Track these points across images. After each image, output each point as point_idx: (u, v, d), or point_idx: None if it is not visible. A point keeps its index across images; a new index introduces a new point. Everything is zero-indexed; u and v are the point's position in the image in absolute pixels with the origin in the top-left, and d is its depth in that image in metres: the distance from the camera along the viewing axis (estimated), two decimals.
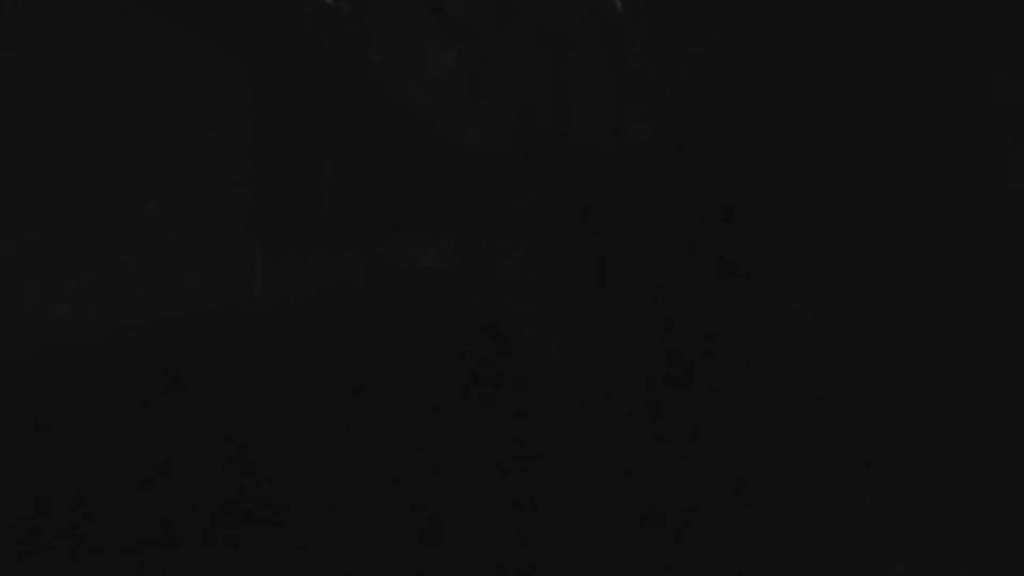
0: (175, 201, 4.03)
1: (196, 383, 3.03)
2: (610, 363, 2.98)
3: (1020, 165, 2.30)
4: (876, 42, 2.80)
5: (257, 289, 4.06)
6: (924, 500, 2.11)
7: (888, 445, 2.40)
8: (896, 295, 2.61)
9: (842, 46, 2.85)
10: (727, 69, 3.07)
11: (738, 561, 1.84)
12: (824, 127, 2.89)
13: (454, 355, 3.37)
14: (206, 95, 4.51)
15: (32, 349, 2.96)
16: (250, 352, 3.36)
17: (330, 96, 5.47)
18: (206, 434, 2.44)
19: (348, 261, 5.62)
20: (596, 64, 3.51)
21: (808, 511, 2.13)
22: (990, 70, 2.35)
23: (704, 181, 3.00)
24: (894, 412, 2.49)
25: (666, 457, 2.40)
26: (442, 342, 3.67)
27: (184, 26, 4.36)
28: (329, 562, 1.77)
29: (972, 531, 1.95)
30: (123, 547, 1.80)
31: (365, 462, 2.24)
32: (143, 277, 3.94)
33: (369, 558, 1.79)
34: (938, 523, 1.98)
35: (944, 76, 2.67)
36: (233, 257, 4.39)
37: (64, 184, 3.56)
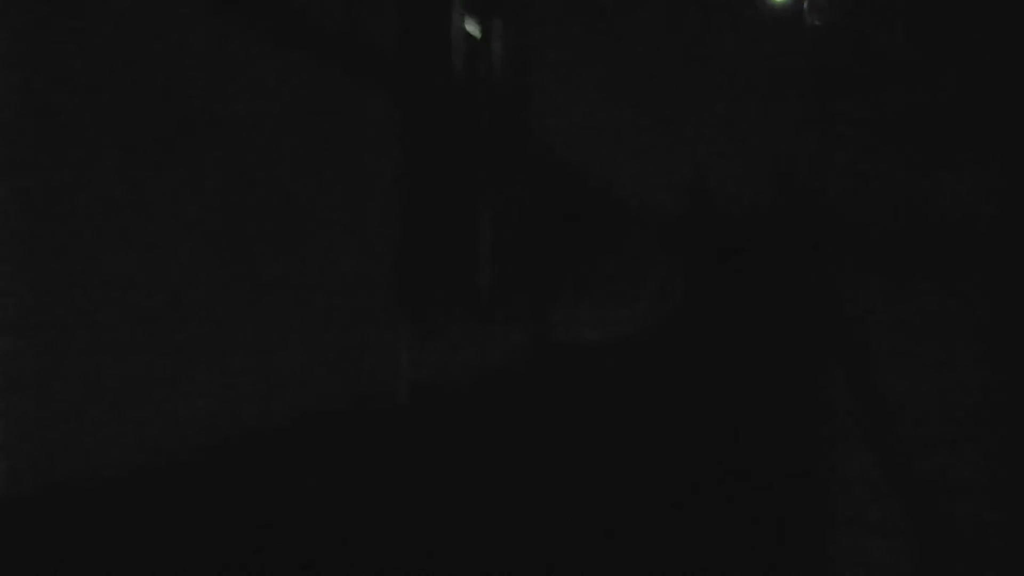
0: (330, 291, 3.82)
1: (357, 472, 3.12)
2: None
3: None
4: None
5: (403, 382, 3.85)
6: None
7: None
8: None
9: None
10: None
11: None
12: None
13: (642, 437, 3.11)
14: (356, 166, 4.14)
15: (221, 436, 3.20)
16: (405, 440, 3.34)
17: (488, 157, 5.00)
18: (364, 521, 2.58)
19: (509, 338, 5.32)
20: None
21: None
22: None
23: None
24: None
25: None
26: (627, 427, 3.38)
27: (331, 95, 3.99)
28: None
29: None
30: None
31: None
32: (295, 373, 3.96)
33: None
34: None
35: None
36: (382, 347, 4.12)
37: (223, 290, 3.56)
